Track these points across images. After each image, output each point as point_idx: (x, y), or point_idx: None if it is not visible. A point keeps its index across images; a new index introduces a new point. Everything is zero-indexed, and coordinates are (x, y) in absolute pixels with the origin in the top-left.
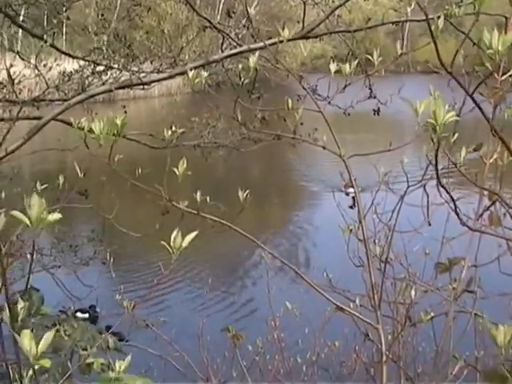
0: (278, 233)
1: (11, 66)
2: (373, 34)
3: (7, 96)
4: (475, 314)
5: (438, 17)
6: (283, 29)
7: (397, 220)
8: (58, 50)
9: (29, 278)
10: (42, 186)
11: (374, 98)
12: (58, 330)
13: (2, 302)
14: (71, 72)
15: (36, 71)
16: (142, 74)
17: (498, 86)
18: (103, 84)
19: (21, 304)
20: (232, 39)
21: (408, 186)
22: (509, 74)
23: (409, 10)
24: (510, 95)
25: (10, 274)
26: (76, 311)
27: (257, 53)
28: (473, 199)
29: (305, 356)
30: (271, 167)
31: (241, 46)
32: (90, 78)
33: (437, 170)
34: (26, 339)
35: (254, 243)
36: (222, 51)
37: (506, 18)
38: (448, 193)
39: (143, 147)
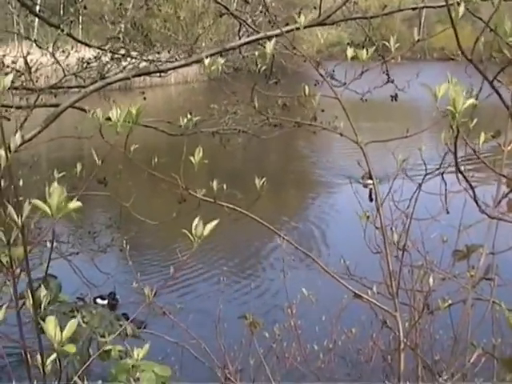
0: (295, 220)
1: (28, 53)
2: (389, 20)
3: (24, 84)
4: (493, 302)
5: (458, 3)
6: (299, 16)
7: (414, 207)
8: (74, 38)
9: (48, 265)
10: (60, 174)
11: (392, 82)
12: (74, 317)
13: (20, 289)
14: (90, 59)
15: (53, 59)
16: (159, 62)
17: None
18: (121, 71)
19: (43, 291)
20: (249, 26)
21: (426, 174)
22: None
23: None
24: None
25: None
26: (96, 298)
27: (274, 39)
28: (490, 186)
29: (322, 343)
30: (287, 155)
31: (258, 32)
32: (108, 65)
33: (456, 157)
34: (50, 326)
35: (271, 231)
36: (239, 38)
37: None
38: (467, 180)
39: (160, 134)
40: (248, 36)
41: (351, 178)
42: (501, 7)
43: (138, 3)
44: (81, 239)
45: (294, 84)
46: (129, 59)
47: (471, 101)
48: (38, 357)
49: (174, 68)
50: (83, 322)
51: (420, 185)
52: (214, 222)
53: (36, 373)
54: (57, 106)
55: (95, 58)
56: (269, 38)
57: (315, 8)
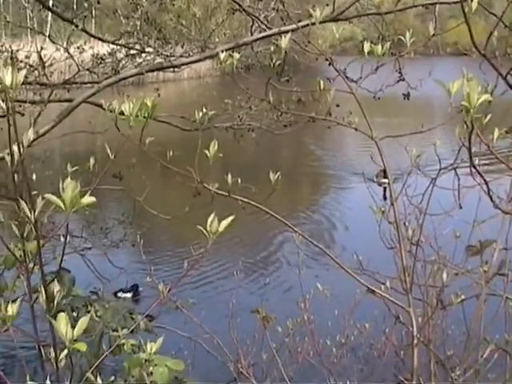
0: (308, 215)
1: (42, 49)
2: (402, 15)
3: (38, 79)
4: (506, 297)
5: None
6: (313, 11)
7: (428, 203)
8: (88, 33)
9: (62, 259)
10: (73, 169)
11: (403, 80)
12: (89, 311)
13: (33, 283)
14: (104, 54)
15: (67, 54)
16: (173, 57)
17: None
18: (135, 67)
19: (57, 287)
20: (261, 22)
21: (440, 169)
22: None
23: None
24: None
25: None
26: (118, 291)
27: (288, 35)
28: (504, 181)
29: (334, 338)
30: (299, 150)
31: (270, 28)
32: (123, 61)
33: (470, 152)
34: (61, 323)
35: (284, 225)
36: (252, 34)
37: None
38: (481, 176)
39: (172, 129)
40: (260, 32)
41: (365, 175)
42: None
43: None
44: (93, 234)
45: (307, 79)
46: (143, 55)
47: (486, 96)
48: (52, 351)
49: (187, 63)
50: (96, 316)
51: (434, 179)
52: (230, 219)
53: (50, 366)
54: (70, 101)
55: (109, 54)
56: (283, 32)
57: (327, 5)
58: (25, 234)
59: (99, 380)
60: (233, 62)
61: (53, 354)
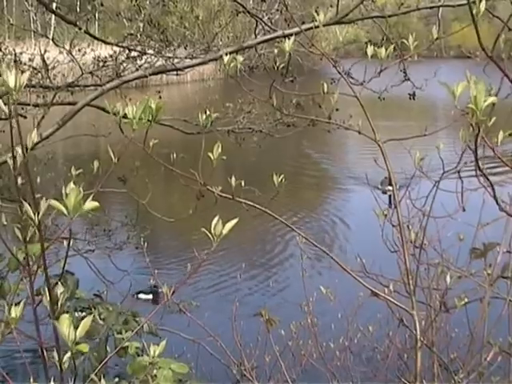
0: (311, 218)
1: (45, 51)
2: (406, 18)
3: (41, 82)
4: (510, 300)
5: (477, 0)
6: (317, 14)
7: (432, 206)
8: (91, 36)
9: (65, 262)
10: (76, 172)
11: (408, 79)
12: (91, 313)
13: (36, 286)
14: (106, 57)
15: (70, 57)
16: (176, 60)
17: None
18: (137, 69)
19: (60, 289)
20: (265, 24)
21: (443, 172)
22: None
23: None
24: None
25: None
26: (138, 292)
27: (292, 37)
28: (507, 184)
29: (338, 341)
30: (302, 154)
31: (274, 30)
32: (124, 64)
33: (476, 155)
34: (64, 324)
35: (287, 228)
36: (256, 36)
37: None
38: (487, 178)
39: (175, 132)
40: (264, 34)
41: (369, 180)
42: None
43: (155, 0)
44: (97, 236)
45: (311, 82)
46: (145, 57)
47: (492, 99)
48: (55, 354)
49: (191, 66)
50: (100, 318)
51: (437, 182)
52: (234, 221)
53: (53, 369)
54: (74, 104)
55: (112, 56)
56: (286, 36)
57: (331, 6)
58: (28, 237)
59: (103, 382)
60: (236, 65)
61: (56, 357)
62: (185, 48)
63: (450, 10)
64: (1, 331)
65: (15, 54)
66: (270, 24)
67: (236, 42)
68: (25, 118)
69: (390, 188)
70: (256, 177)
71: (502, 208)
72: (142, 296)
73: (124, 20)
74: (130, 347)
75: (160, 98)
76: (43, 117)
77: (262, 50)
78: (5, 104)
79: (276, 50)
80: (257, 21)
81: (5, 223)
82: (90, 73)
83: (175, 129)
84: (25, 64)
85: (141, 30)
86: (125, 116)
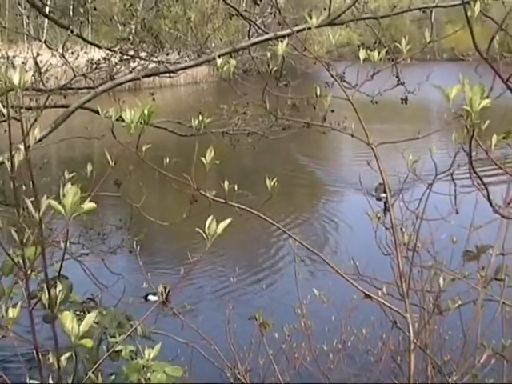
0: (304, 221)
1: (38, 54)
2: (398, 21)
3: (34, 85)
4: (503, 303)
5: (470, 2)
6: (310, 16)
7: (424, 208)
8: (84, 39)
9: (61, 265)
10: (70, 175)
11: (402, 84)
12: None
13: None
14: (99, 60)
15: (63, 60)
16: (169, 63)
17: None
18: (131, 72)
19: (58, 287)
20: (258, 27)
21: (436, 175)
22: None
23: None
24: None
25: (38, 261)
26: (147, 294)
27: (285, 40)
28: (498, 187)
29: (331, 344)
30: (296, 157)
31: (267, 33)
32: (117, 66)
33: (470, 157)
34: (67, 320)
35: (281, 231)
36: (249, 38)
37: None
38: (482, 181)
39: (169, 134)
40: (257, 36)
41: (362, 184)
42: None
43: (148, 4)
44: (91, 240)
45: (304, 85)
46: (138, 60)
47: (487, 101)
48: (51, 355)
49: (183, 68)
50: (94, 322)
51: (430, 185)
52: (227, 221)
53: (47, 373)
54: (67, 106)
55: (105, 59)
56: (279, 38)
57: (324, 9)
58: (24, 240)
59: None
60: (230, 68)
61: (52, 359)
62: (178, 53)
63: (443, 12)
64: None
65: (8, 57)
66: (262, 27)
67: (229, 45)
68: (18, 120)
69: (384, 195)
70: (250, 179)
71: (495, 210)
72: (151, 298)
73: (118, 24)
74: (124, 351)
75: (154, 100)
76: (36, 119)
77: (256, 53)
78: (3, 106)
79: (269, 54)
80: (250, 24)
81: (0, 226)
82: (83, 75)
83: (169, 131)
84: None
85: (133, 33)
86: (118, 119)
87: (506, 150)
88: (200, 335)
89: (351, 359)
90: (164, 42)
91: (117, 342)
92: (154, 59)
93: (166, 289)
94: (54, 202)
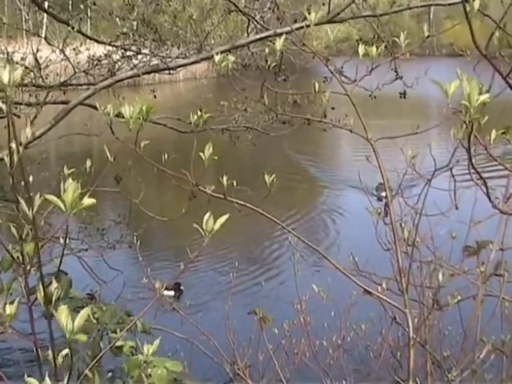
0: (304, 217)
1: (38, 50)
2: (397, 17)
3: (34, 81)
4: (502, 298)
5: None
6: (309, 13)
7: (424, 203)
8: (83, 35)
9: (61, 261)
10: (70, 171)
11: (401, 78)
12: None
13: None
14: (100, 56)
15: (63, 56)
16: (169, 59)
17: None
18: (131, 69)
19: (54, 284)
20: (257, 22)
21: (435, 170)
22: None
23: None
24: None
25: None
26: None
27: (283, 37)
28: (497, 183)
29: (331, 339)
30: (296, 153)
31: (266, 29)
32: (119, 63)
33: (469, 152)
34: (62, 315)
35: (280, 227)
36: (248, 35)
37: None
38: (480, 176)
39: (168, 130)
40: (256, 33)
41: (363, 185)
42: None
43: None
44: (90, 236)
45: (303, 80)
46: (139, 57)
47: (486, 96)
48: (50, 352)
49: (183, 65)
50: (94, 318)
51: (429, 181)
52: (225, 217)
53: (47, 368)
54: (66, 103)
55: (105, 55)
56: (278, 34)
57: (324, 4)
58: (23, 236)
59: (97, 378)
60: (228, 64)
61: (50, 355)
62: (178, 48)
63: (442, 8)
64: None
65: (7, 53)
66: (262, 23)
67: (228, 42)
68: (18, 117)
69: (384, 194)
70: (249, 175)
71: (494, 205)
72: (166, 293)
73: (117, 19)
74: (125, 346)
75: (155, 97)
76: (36, 116)
77: (255, 48)
78: (3, 102)
79: (267, 49)
80: (249, 19)
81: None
82: (84, 72)
83: (169, 127)
84: (17, 63)
85: (134, 28)
86: (118, 115)
87: (504, 147)
88: (199, 331)
89: (351, 355)
90: (164, 38)
91: (118, 338)
92: (155, 56)
93: (179, 285)
94: (53, 198)
